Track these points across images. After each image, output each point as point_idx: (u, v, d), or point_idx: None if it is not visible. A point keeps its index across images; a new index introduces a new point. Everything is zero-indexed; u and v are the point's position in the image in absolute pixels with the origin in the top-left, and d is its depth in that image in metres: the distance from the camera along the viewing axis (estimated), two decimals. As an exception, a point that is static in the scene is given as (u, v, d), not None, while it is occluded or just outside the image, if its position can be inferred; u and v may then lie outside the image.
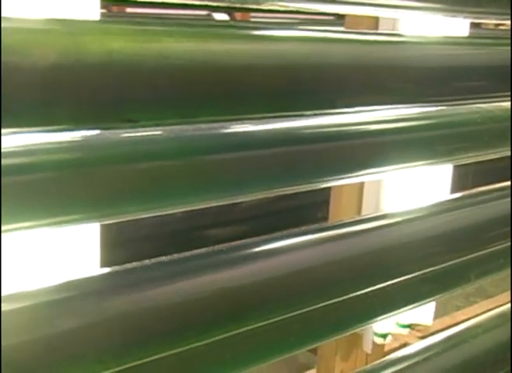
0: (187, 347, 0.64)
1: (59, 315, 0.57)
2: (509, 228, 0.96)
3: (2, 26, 0.48)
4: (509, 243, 0.97)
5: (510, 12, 0.84)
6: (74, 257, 0.82)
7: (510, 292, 1.03)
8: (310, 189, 0.75)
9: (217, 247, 0.68)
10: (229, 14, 2.68)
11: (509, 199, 0.98)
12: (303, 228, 0.77)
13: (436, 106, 0.87)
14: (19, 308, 0.55)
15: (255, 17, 2.81)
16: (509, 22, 0.88)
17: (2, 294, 0.55)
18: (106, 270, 0.62)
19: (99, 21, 0.60)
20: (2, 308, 0.54)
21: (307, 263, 0.74)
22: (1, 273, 0.60)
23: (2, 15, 0.50)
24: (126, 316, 0.60)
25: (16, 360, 0.54)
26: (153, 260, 0.64)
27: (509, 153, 0.98)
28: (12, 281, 0.73)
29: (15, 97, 0.49)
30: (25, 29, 0.50)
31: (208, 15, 2.63)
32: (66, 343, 0.56)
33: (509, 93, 0.90)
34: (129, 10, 2.53)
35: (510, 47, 0.87)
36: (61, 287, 0.59)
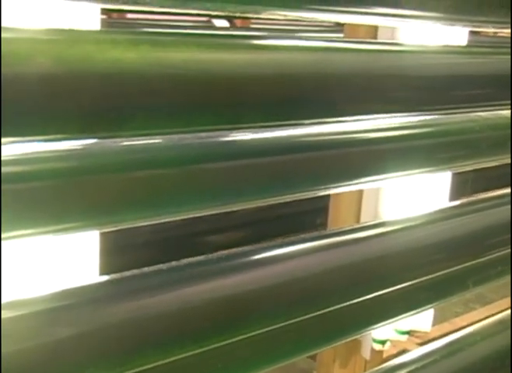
0: (186, 355, 0.65)
1: (58, 322, 0.57)
2: (508, 235, 0.96)
3: (3, 35, 0.49)
4: (508, 250, 0.97)
5: (509, 20, 0.84)
6: (73, 265, 0.82)
7: (510, 299, 1.03)
8: (309, 196, 0.75)
9: (215, 255, 0.69)
10: (229, 21, 2.69)
11: (508, 206, 0.98)
12: (302, 235, 0.77)
13: (436, 114, 0.88)
14: (18, 316, 0.55)
15: (255, 23, 2.81)
16: (509, 30, 0.88)
17: (1, 302, 0.55)
18: (105, 277, 0.62)
19: (101, 31, 0.61)
20: (2, 316, 0.54)
21: (306, 270, 0.74)
22: (0, 281, 0.60)
23: (4, 25, 0.50)
24: (124, 324, 0.60)
25: (15, 368, 0.54)
26: (151, 268, 0.64)
27: (508, 160, 0.98)
28: (11, 289, 0.73)
29: (16, 107, 0.49)
30: (26, 39, 0.50)
31: (208, 21, 2.64)
32: (64, 351, 0.57)
33: (509, 102, 0.90)
34: (129, 16, 2.54)
35: (509, 56, 0.88)
36: (59, 294, 0.59)
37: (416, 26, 0.82)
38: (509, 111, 0.94)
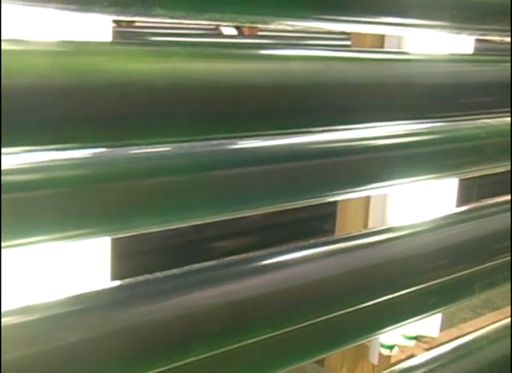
0: (197, 358, 0.65)
1: (70, 327, 0.58)
2: (513, 241, 0.96)
3: (19, 48, 0.50)
4: (512, 256, 0.97)
5: (510, 28, 0.85)
6: (84, 270, 0.83)
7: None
8: (317, 203, 0.76)
9: (226, 260, 0.70)
10: (237, 28, 2.69)
11: (514, 212, 0.99)
12: (311, 241, 0.78)
13: (442, 121, 0.88)
14: (29, 321, 0.57)
15: (263, 31, 2.82)
16: (509, 39, 0.89)
17: (12, 308, 0.56)
18: (118, 282, 0.63)
19: (112, 42, 0.62)
20: (12, 322, 0.55)
21: (314, 275, 0.75)
22: (0, 286, 0.61)
23: (18, 38, 0.51)
24: (137, 328, 0.61)
25: (27, 372, 0.55)
26: (164, 273, 0.65)
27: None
28: (23, 295, 0.74)
29: (30, 116, 0.50)
30: (41, 52, 0.52)
31: (216, 29, 2.65)
32: (77, 355, 0.58)
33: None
34: (138, 24, 2.55)
35: (510, 64, 0.89)
36: (72, 300, 0.60)
37: (423, 34, 0.83)
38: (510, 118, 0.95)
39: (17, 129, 0.50)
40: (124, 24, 2.43)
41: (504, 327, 1.03)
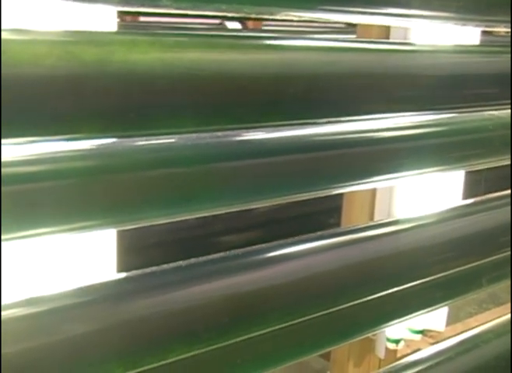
0: (203, 351, 0.65)
1: (77, 319, 0.58)
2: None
3: (21, 38, 0.50)
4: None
5: (510, 19, 0.85)
6: (90, 262, 0.83)
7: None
8: (323, 195, 0.76)
9: (233, 252, 0.69)
10: (241, 22, 2.70)
11: (521, 204, 0.98)
12: (317, 233, 0.78)
13: (449, 113, 0.88)
14: (35, 313, 0.56)
15: (267, 25, 2.82)
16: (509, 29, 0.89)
17: (18, 300, 0.56)
18: (124, 274, 0.63)
19: (117, 32, 0.62)
20: (18, 313, 0.55)
21: (320, 267, 0.75)
22: None
23: (21, 28, 0.51)
24: (143, 320, 0.61)
25: (34, 363, 0.55)
26: (170, 265, 0.65)
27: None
28: (29, 287, 0.74)
29: (34, 107, 0.50)
30: (45, 42, 0.51)
31: (221, 23, 2.65)
32: (83, 347, 0.58)
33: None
34: (142, 19, 2.55)
35: (510, 55, 0.88)
36: (77, 291, 0.60)
37: (429, 26, 0.83)
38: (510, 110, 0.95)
39: (19, 120, 0.49)
40: (128, 18, 2.44)
41: (510, 321, 1.02)
